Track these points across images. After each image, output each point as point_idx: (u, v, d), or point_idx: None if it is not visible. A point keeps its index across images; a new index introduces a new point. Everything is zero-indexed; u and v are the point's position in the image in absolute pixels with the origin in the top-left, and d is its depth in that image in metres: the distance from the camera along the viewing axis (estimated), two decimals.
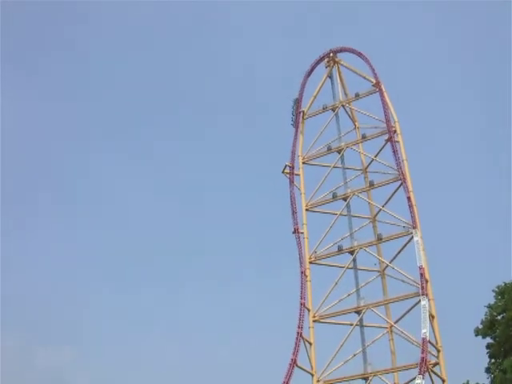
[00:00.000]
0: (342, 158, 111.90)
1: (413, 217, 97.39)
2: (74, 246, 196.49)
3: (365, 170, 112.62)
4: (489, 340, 40.56)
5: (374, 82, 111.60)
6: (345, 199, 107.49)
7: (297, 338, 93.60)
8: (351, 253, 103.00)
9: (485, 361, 40.64)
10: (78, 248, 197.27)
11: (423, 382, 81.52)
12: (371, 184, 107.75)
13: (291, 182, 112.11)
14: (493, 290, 41.25)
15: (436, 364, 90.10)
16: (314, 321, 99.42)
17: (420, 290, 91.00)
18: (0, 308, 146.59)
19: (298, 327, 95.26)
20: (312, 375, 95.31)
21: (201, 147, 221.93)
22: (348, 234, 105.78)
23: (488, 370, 40.64)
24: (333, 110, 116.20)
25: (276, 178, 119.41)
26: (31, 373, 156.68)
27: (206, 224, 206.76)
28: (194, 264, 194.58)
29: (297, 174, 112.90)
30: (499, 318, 40.04)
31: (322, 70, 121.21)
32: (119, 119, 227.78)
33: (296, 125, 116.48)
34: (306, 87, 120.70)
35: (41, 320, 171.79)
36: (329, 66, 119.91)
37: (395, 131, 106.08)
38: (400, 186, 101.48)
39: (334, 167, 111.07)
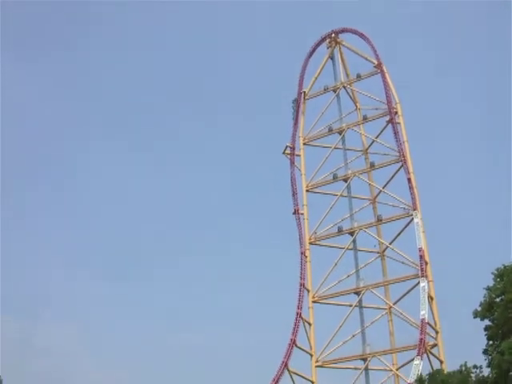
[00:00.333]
0: (342, 139, 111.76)
1: (413, 198, 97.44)
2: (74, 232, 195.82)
3: (365, 152, 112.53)
4: (487, 322, 40.55)
5: (376, 63, 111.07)
6: (345, 180, 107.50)
7: (296, 319, 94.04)
8: (351, 234, 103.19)
9: (483, 343, 40.80)
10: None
11: (421, 363, 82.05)
12: (372, 165, 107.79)
13: (292, 162, 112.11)
14: (492, 273, 41.24)
15: (434, 345, 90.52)
16: (313, 301, 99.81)
17: (419, 272, 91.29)
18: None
19: (298, 308, 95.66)
20: (311, 355, 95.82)
21: (201, 126, 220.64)
22: (348, 215, 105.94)
23: (486, 352, 40.73)
24: (334, 91, 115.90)
25: (276, 159, 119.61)
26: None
27: (204, 204, 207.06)
28: (193, 248, 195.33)
29: (297, 155, 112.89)
30: (498, 300, 40.04)
31: (323, 51, 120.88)
32: (119, 109, 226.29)
33: (297, 105, 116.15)
34: (307, 68, 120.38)
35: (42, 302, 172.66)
36: (330, 46, 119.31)
37: (396, 112, 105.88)
38: (401, 168, 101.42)
39: (334, 148, 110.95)
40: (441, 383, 63.78)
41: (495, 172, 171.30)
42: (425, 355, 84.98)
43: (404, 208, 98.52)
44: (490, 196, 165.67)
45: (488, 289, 41.05)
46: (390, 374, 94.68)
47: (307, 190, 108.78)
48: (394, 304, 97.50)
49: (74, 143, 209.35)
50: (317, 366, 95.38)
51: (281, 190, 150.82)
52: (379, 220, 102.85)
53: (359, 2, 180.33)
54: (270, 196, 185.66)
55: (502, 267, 40.81)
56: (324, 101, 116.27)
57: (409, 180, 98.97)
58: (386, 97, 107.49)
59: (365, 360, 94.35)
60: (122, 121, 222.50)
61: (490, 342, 40.12)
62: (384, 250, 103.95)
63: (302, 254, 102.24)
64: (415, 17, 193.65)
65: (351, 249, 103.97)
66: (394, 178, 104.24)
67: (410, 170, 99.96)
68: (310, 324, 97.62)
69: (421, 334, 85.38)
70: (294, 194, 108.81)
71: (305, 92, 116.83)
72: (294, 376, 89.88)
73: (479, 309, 40.85)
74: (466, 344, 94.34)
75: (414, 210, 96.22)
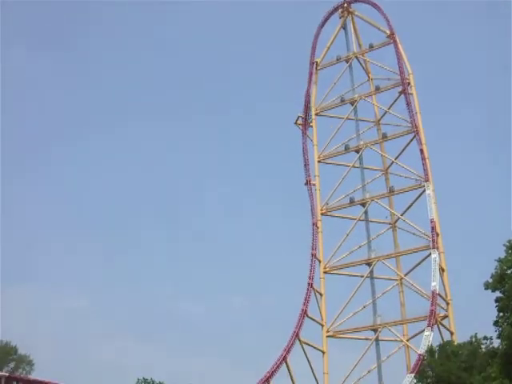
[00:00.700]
0: (355, 110, 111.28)
1: (425, 170, 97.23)
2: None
3: (378, 122, 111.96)
4: (498, 294, 40.54)
5: (389, 33, 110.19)
6: (357, 151, 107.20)
7: (307, 289, 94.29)
8: (363, 205, 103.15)
9: (493, 314, 40.84)
10: None
11: (432, 334, 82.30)
12: (384, 136, 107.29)
13: (304, 133, 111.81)
14: (504, 245, 41.12)
15: (445, 317, 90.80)
16: (324, 272, 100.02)
17: (431, 243, 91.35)
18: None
19: (309, 278, 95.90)
20: (322, 326, 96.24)
21: (213, 99, 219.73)
22: (360, 186, 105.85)
23: (496, 324, 40.76)
24: (346, 61, 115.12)
25: (288, 129, 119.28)
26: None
27: (213, 174, 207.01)
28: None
29: (310, 125, 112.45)
30: (509, 272, 40.01)
31: (335, 21, 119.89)
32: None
33: (309, 76, 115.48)
34: (319, 38, 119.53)
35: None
36: (343, 16, 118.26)
37: (409, 83, 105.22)
38: (413, 139, 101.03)
39: (346, 119, 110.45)
40: (451, 354, 64.10)
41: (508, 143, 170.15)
42: (435, 326, 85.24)
43: (416, 179, 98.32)
44: (503, 168, 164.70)
45: (499, 260, 40.99)
46: (400, 345, 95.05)
47: (319, 161, 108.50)
48: (406, 275, 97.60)
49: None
50: (328, 337, 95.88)
51: (293, 161, 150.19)
52: (391, 191, 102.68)
53: None
54: (281, 167, 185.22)
55: None
56: (336, 71, 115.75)
57: (421, 151, 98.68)
58: (399, 67, 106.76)
59: (375, 331, 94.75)
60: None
61: (501, 314, 40.10)
62: (396, 221, 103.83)
63: (314, 224, 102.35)
64: None
65: (363, 220, 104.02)
66: (406, 149, 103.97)
67: (423, 141, 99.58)
68: (321, 294, 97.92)
69: (432, 305, 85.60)
70: (306, 164, 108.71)
71: (317, 62, 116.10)
72: (305, 346, 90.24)
73: (490, 280, 40.79)
74: (477, 315, 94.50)
75: (426, 181, 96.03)
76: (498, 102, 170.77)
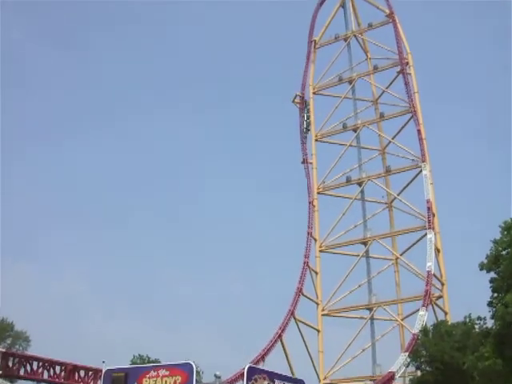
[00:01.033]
0: (352, 89, 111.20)
1: (422, 150, 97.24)
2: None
3: (375, 102, 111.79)
4: (493, 275, 40.73)
5: (388, 12, 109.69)
6: (355, 130, 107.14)
7: (303, 267, 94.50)
8: (359, 184, 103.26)
9: (487, 295, 41.06)
10: None
11: (426, 313, 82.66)
12: (381, 116, 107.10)
13: (301, 111, 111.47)
14: (499, 226, 41.23)
15: (440, 297, 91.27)
16: (320, 251, 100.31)
17: (427, 224, 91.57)
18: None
19: (305, 256, 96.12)
20: (317, 304, 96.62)
21: (210, 77, 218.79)
22: (357, 165, 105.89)
23: (490, 304, 40.98)
24: (345, 39, 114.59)
25: (286, 108, 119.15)
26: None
27: (211, 153, 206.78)
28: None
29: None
30: (504, 253, 40.13)
31: (334, 0, 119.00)
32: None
33: (307, 54, 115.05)
34: (318, 16, 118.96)
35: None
36: None
37: (407, 63, 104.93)
38: (410, 119, 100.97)
39: (344, 98, 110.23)
40: (445, 334, 64.40)
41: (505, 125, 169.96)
42: (430, 306, 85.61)
43: (413, 159, 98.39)
44: (500, 149, 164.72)
45: (495, 242, 41.11)
46: (394, 324, 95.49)
47: (316, 140, 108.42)
48: (401, 255, 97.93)
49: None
50: (323, 315, 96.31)
51: (290, 140, 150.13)
52: (388, 171, 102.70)
53: None
54: (278, 145, 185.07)
55: (510, 220, 40.81)
56: (334, 50, 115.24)
57: (418, 131, 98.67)
58: (398, 47, 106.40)
59: (370, 310, 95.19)
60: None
61: (495, 295, 40.32)
62: (392, 201, 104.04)
63: (310, 203, 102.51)
64: None
65: (359, 199, 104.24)
66: (403, 129, 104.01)
67: (420, 121, 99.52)
68: (316, 273, 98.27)
69: (426, 285, 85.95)
70: (303, 143, 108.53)
71: (315, 40, 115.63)
72: (300, 324, 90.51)
73: (485, 261, 40.94)
74: (471, 296, 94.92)
75: (423, 161, 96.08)
76: (497, 98, 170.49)
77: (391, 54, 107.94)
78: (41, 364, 54.13)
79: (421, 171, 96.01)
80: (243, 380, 32.54)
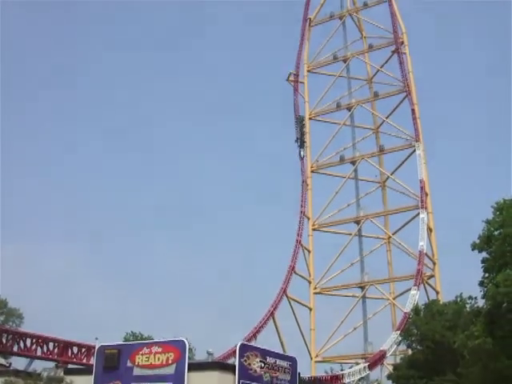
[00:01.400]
0: (347, 68, 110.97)
1: (416, 130, 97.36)
2: None
3: (370, 81, 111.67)
4: (484, 255, 40.90)
5: None
6: (349, 109, 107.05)
7: (296, 246, 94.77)
8: (353, 163, 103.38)
9: (479, 275, 41.27)
10: None
11: (418, 293, 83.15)
12: (376, 95, 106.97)
13: (295, 90, 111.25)
14: (491, 206, 41.34)
15: (431, 276, 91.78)
16: (313, 229, 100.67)
17: (419, 203, 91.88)
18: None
19: (298, 235, 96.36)
20: (309, 282, 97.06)
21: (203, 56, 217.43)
22: (350, 144, 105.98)
23: (482, 284, 41.10)
24: (340, 18, 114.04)
25: (280, 86, 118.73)
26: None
27: (205, 130, 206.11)
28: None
29: (301, 82, 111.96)
30: (496, 233, 40.23)
31: None
32: None
33: (302, 32, 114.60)
34: None
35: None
36: None
37: (402, 42, 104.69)
38: (405, 99, 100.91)
39: (339, 76, 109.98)
40: (436, 313, 64.80)
41: (497, 106, 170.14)
42: (422, 285, 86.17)
43: (406, 139, 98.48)
44: (493, 130, 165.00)
45: (487, 222, 41.20)
46: (386, 303, 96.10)
47: (310, 118, 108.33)
48: (393, 234, 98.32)
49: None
50: (315, 293, 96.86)
51: (283, 118, 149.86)
52: (381, 150, 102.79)
53: None
54: (272, 124, 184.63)
55: (502, 201, 40.90)
56: (329, 28, 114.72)
57: (412, 111, 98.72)
58: (393, 26, 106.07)
59: (363, 288, 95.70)
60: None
61: (487, 275, 40.43)
62: (385, 181, 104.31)
63: (304, 182, 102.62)
64: None
65: (352, 178, 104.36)
66: (397, 108, 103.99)
67: (414, 100, 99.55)
68: (309, 251, 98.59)
69: (418, 264, 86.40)
70: (297, 122, 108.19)
71: (310, 19, 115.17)
72: (293, 302, 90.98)
73: (477, 241, 41.08)
74: (463, 276, 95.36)
75: (417, 141, 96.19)
76: (494, 66, 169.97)
77: (386, 33, 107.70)
78: (34, 340, 54.46)
79: (414, 151, 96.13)
80: (235, 357, 32.77)
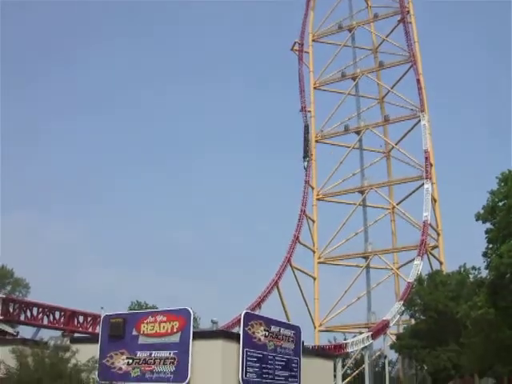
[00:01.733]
0: (352, 37, 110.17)
1: (421, 100, 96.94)
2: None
3: (375, 51, 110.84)
4: (488, 225, 40.93)
5: None
6: (353, 79, 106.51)
7: (300, 215, 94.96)
8: (357, 133, 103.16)
9: (483, 245, 41.35)
10: None
11: (421, 263, 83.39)
12: (381, 64, 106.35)
13: (300, 59, 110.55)
14: (496, 177, 41.28)
15: (435, 247, 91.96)
16: (317, 199, 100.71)
17: (424, 174, 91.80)
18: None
19: (302, 204, 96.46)
20: (313, 252, 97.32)
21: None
22: (355, 114, 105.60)
23: (485, 255, 41.19)
24: None
25: (284, 56, 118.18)
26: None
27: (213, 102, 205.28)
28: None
29: (306, 52, 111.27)
30: (500, 204, 40.23)
31: None
32: None
33: (307, 1, 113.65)
34: None
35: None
36: None
37: (408, 12, 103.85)
38: (410, 69, 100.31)
39: (344, 46, 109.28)
40: (439, 283, 65.14)
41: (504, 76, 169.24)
42: (425, 256, 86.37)
43: (412, 109, 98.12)
44: (498, 101, 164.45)
45: (491, 192, 41.16)
46: (390, 273, 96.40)
47: (315, 88, 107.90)
48: (398, 204, 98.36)
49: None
50: (319, 263, 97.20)
51: (288, 88, 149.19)
52: (386, 120, 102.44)
53: None
54: (276, 93, 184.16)
55: (507, 172, 40.85)
56: None
57: (418, 81, 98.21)
58: None
59: (366, 258, 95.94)
60: None
61: (490, 245, 40.52)
62: (390, 151, 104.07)
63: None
64: None
65: (357, 148, 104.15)
66: (402, 78, 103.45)
67: (420, 70, 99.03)
68: (313, 221, 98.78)
69: (422, 234, 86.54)
70: (302, 91, 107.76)
71: None
72: (297, 272, 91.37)
73: (482, 212, 41.08)
74: (467, 246, 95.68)
75: (422, 111, 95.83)
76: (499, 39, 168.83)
77: (392, 2, 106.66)
78: (40, 310, 54.99)
79: (419, 121, 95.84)
80: (240, 326, 33.00)
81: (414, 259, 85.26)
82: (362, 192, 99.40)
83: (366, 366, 76.47)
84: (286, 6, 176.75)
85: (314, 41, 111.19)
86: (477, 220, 41.45)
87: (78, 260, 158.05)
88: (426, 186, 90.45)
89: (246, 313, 34.23)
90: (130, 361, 33.62)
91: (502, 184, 40.64)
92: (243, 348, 32.10)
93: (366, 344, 74.43)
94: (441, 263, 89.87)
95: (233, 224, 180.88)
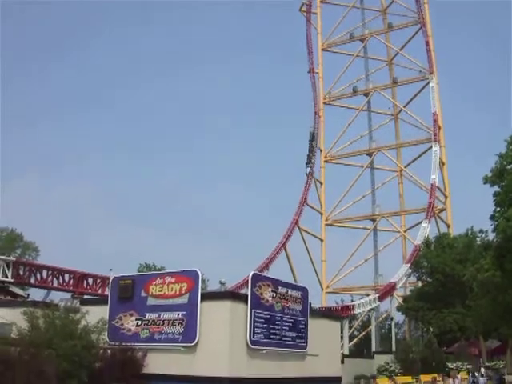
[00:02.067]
0: None
1: (430, 62, 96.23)
2: None
3: (384, 12, 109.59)
4: (496, 188, 40.87)
5: None
6: (362, 40, 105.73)
7: (308, 177, 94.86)
8: (366, 95, 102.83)
9: (490, 209, 41.35)
10: None
11: (429, 226, 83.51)
12: (390, 26, 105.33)
13: (308, 20, 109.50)
14: (505, 140, 41.13)
15: (443, 210, 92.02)
16: (325, 161, 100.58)
17: (432, 137, 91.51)
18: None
19: (310, 167, 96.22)
20: (321, 214, 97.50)
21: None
22: (364, 76, 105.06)
23: (492, 218, 41.23)
24: None
25: (292, 17, 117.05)
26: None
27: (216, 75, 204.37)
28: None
29: (314, 13, 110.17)
30: (509, 167, 40.17)
31: None
32: None
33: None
34: None
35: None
36: None
37: None
38: (419, 30, 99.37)
39: (352, 7, 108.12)
40: (447, 246, 65.44)
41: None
42: (433, 219, 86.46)
43: (420, 71, 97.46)
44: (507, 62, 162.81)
45: (500, 156, 41.04)
46: (397, 236, 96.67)
47: (323, 49, 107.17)
48: (405, 167, 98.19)
49: None
50: (326, 225, 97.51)
51: (296, 49, 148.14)
52: (395, 82, 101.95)
53: None
54: (284, 55, 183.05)
55: None
56: None
57: (427, 43, 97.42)
58: None
59: (374, 220, 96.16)
60: None
61: (498, 208, 40.51)
62: (398, 113, 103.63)
63: (316, 113, 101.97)
64: None
65: (365, 110, 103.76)
66: (411, 40, 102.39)
67: (429, 32, 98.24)
68: (321, 183, 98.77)
69: (430, 197, 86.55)
70: (310, 52, 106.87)
71: None
72: (304, 234, 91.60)
73: (490, 175, 41.00)
74: (474, 209, 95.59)
75: (431, 73, 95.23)
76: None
77: None
78: (50, 272, 55.31)
79: (428, 83, 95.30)
80: (247, 287, 33.16)
81: (421, 222, 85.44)
82: (369, 154, 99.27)
83: (372, 327, 77.14)
84: None
85: (321, 2, 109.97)
86: (485, 183, 41.41)
87: (87, 222, 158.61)
88: (434, 148, 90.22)
89: (254, 274, 34.31)
90: (139, 322, 33.83)
91: (511, 147, 40.52)
92: (251, 309, 32.27)
93: (373, 306, 74.98)
94: (448, 226, 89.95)
95: (241, 187, 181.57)
